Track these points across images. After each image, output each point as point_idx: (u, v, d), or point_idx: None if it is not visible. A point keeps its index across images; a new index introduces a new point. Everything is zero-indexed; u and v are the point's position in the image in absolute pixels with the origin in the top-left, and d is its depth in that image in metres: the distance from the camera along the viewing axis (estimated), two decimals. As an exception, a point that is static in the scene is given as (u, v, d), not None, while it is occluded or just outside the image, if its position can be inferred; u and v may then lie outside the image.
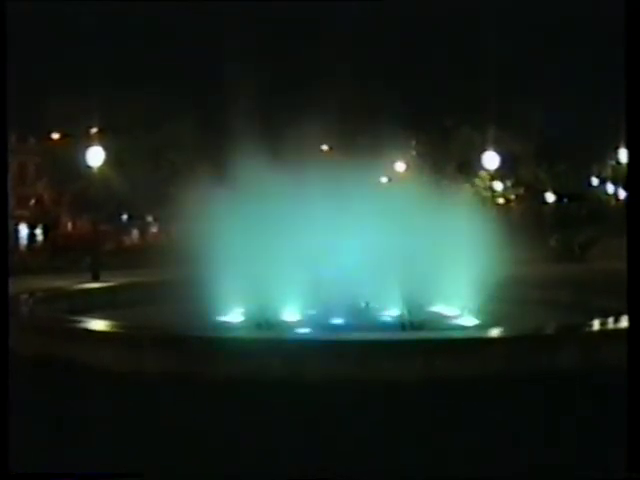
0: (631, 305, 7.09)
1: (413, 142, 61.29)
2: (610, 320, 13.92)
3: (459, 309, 17.25)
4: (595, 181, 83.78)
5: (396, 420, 9.81)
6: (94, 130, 44.61)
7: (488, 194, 54.69)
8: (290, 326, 16.19)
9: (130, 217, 69.83)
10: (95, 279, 31.21)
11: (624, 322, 12.52)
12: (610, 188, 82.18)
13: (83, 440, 9.14)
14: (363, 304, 17.33)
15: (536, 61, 62.54)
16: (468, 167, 53.74)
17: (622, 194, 73.82)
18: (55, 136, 62.80)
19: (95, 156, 36.57)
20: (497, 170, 52.15)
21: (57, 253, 51.54)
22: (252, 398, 10.69)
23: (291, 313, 16.85)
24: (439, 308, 17.52)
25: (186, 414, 10.10)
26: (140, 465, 8.15)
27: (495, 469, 8.05)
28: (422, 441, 9.01)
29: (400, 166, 56.21)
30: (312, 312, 17.04)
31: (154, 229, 72.64)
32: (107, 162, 38.95)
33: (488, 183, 57.65)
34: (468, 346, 12.90)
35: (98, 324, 15.06)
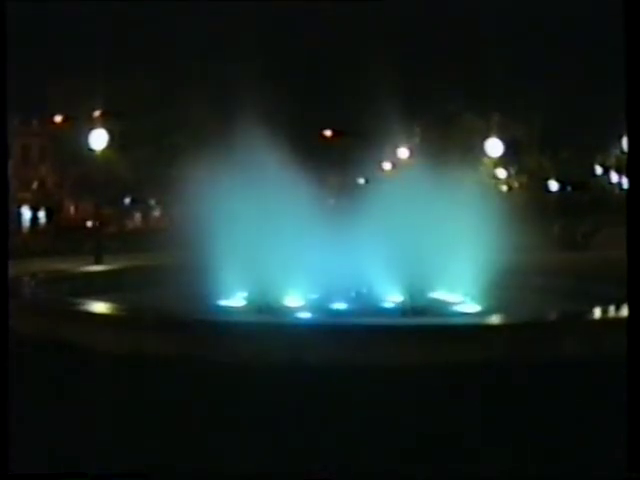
0: (631, 296, 7.06)
1: (416, 128, 61.16)
2: (612, 308, 13.91)
3: (461, 295, 17.24)
4: (599, 170, 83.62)
5: (395, 406, 9.80)
6: (97, 113, 44.57)
7: (491, 181, 54.63)
8: (291, 311, 16.19)
9: (133, 200, 69.82)
10: (97, 262, 31.25)
11: (626, 310, 12.50)
12: (614, 177, 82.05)
13: (81, 423, 9.13)
14: (365, 289, 17.33)
15: (540, 48, 62.38)
16: (471, 154, 53.63)
17: (626, 183, 73.46)
18: (58, 119, 62.71)
19: (98, 139, 36.58)
20: (501, 157, 52.13)
21: (60, 236, 51.62)
22: (252, 382, 10.69)
23: (293, 298, 16.84)
24: (441, 294, 17.50)
25: (185, 397, 10.11)
26: (133, 448, 8.14)
27: (493, 459, 8.04)
28: (421, 426, 9.00)
29: (403, 152, 56.17)
30: (314, 297, 17.04)
31: (157, 212, 72.64)
32: (110, 145, 38.96)
33: (492, 170, 57.59)
34: (469, 332, 12.89)
35: (99, 307, 15.08)
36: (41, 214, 76.05)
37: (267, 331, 12.74)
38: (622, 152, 68.87)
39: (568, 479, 7.82)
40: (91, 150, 37.07)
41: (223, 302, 16.86)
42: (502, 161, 57.62)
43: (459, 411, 9.58)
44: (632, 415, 6.66)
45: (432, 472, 7.83)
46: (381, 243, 16.80)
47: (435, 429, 8.87)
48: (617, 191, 78.42)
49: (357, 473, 7.90)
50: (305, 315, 15.76)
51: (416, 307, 16.03)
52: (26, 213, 75.92)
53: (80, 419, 9.27)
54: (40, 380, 11.07)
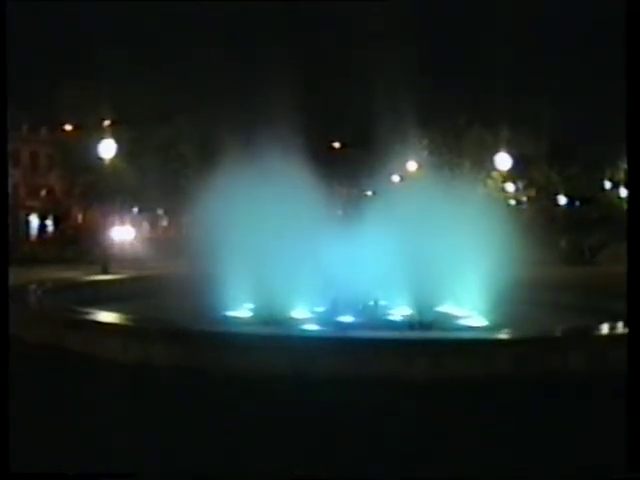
0: (631, 307, 7.08)
1: (425, 141, 61.09)
2: (619, 323, 13.85)
3: (469, 310, 17.21)
4: (608, 185, 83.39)
5: (399, 420, 9.77)
6: (106, 122, 44.69)
7: (500, 195, 54.55)
8: (298, 323, 16.15)
9: (140, 210, 69.85)
10: (104, 271, 31.30)
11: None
12: (622, 192, 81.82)
13: (83, 431, 9.12)
14: (372, 302, 17.31)
15: (550, 62, 62.42)
16: (480, 168, 53.60)
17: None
18: (67, 127, 62.82)
19: (107, 148, 36.68)
20: (509, 171, 52.05)
21: (67, 244, 51.70)
22: (256, 394, 10.67)
23: (299, 310, 16.82)
24: (449, 308, 17.48)
25: (189, 408, 10.09)
26: (136, 460, 8.12)
27: (496, 471, 8.01)
28: (422, 441, 8.98)
29: (412, 165, 56.12)
30: (320, 309, 17.02)
31: (164, 222, 72.71)
32: (118, 154, 39.05)
33: (500, 184, 57.51)
34: (476, 347, 12.85)
35: (106, 316, 15.07)
36: (49, 222, 76.20)
37: (273, 343, 12.71)
38: (631, 167, 68.52)
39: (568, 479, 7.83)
40: (100, 159, 37.17)
41: (229, 313, 16.85)
42: (511, 175, 57.51)
43: (461, 425, 9.56)
44: (631, 416, 6.65)
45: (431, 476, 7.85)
46: (389, 256, 16.78)
47: (435, 445, 8.84)
48: (625, 206, 78.13)
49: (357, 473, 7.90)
50: (312, 328, 15.72)
51: (423, 321, 16.00)
52: (34, 221, 76.08)
53: (80, 426, 9.27)
54: (44, 387, 11.08)
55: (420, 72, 49.05)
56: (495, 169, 51.71)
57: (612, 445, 7.67)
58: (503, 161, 47.42)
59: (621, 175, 77.09)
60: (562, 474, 7.93)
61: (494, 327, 15.70)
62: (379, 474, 7.93)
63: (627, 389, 6.79)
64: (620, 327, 13.64)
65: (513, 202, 63.51)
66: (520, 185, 66.90)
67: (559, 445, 8.74)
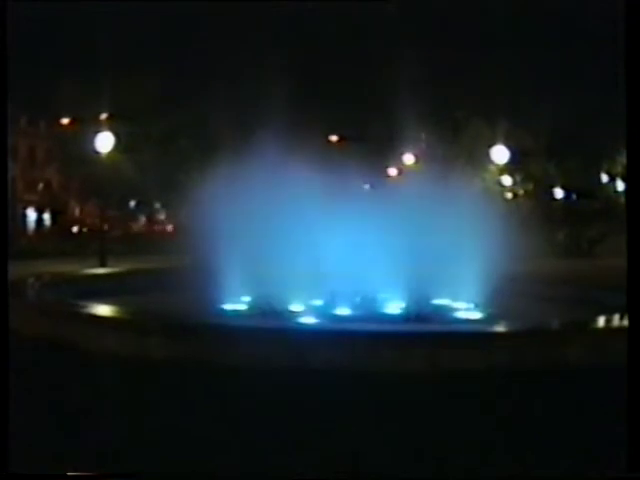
0: (631, 301, 7.07)
1: (422, 134, 61.02)
2: (617, 316, 13.87)
3: (466, 302, 17.21)
4: (605, 178, 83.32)
5: (395, 414, 9.77)
6: (104, 115, 44.64)
7: (497, 188, 54.52)
8: (295, 316, 16.16)
9: (138, 203, 69.80)
10: (102, 265, 31.29)
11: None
12: (620, 185, 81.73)
13: (82, 427, 9.11)
14: (369, 295, 17.30)
15: (549, 56, 62.31)
16: (477, 161, 53.53)
17: (632, 191, 72.79)
18: (65, 121, 62.74)
19: (104, 142, 36.62)
20: (506, 164, 52.03)
21: (65, 238, 51.72)
22: (254, 387, 10.67)
23: (296, 303, 16.81)
24: (446, 301, 17.47)
25: (186, 402, 10.09)
26: (134, 455, 8.10)
27: (494, 468, 8.00)
28: (419, 434, 8.97)
29: (409, 158, 56.09)
30: (318, 302, 17.01)
31: (162, 216, 72.64)
32: (116, 148, 39.01)
33: (497, 177, 57.47)
34: (473, 340, 12.87)
35: (103, 309, 15.07)
36: (46, 216, 76.18)
37: (270, 336, 12.71)
38: (629, 160, 68.34)
39: (568, 479, 7.81)
40: (97, 152, 37.11)
41: (227, 306, 16.85)
42: (508, 168, 57.53)
43: (457, 419, 9.55)
44: (632, 415, 6.64)
45: (430, 474, 7.84)
46: (385, 249, 16.77)
47: (433, 440, 8.83)
48: (623, 199, 77.98)
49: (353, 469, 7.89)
50: (309, 320, 15.73)
51: (421, 314, 16.01)
52: (32, 215, 76.04)
53: (76, 421, 9.27)
54: (41, 382, 11.08)
55: (419, 65, 48.99)
56: (492, 162, 51.67)
57: (611, 443, 7.69)
58: (500, 154, 47.38)
59: (618, 169, 77.12)
60: (562, 473, 7.92)
61: (491, 320, 15.71)
62: (377, 470, 7.92)
63: (627, 388, 6.77)
64: (618, 320, 13.67)
65: (510, 195, 63.52)
66: (517, 178, 66.90)
67: (558, 443, 8.74)
